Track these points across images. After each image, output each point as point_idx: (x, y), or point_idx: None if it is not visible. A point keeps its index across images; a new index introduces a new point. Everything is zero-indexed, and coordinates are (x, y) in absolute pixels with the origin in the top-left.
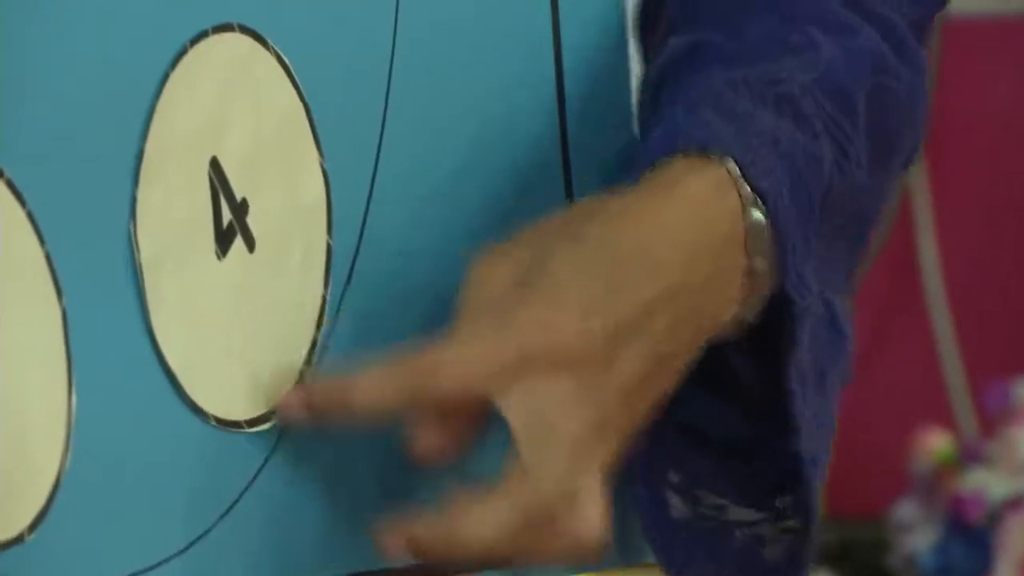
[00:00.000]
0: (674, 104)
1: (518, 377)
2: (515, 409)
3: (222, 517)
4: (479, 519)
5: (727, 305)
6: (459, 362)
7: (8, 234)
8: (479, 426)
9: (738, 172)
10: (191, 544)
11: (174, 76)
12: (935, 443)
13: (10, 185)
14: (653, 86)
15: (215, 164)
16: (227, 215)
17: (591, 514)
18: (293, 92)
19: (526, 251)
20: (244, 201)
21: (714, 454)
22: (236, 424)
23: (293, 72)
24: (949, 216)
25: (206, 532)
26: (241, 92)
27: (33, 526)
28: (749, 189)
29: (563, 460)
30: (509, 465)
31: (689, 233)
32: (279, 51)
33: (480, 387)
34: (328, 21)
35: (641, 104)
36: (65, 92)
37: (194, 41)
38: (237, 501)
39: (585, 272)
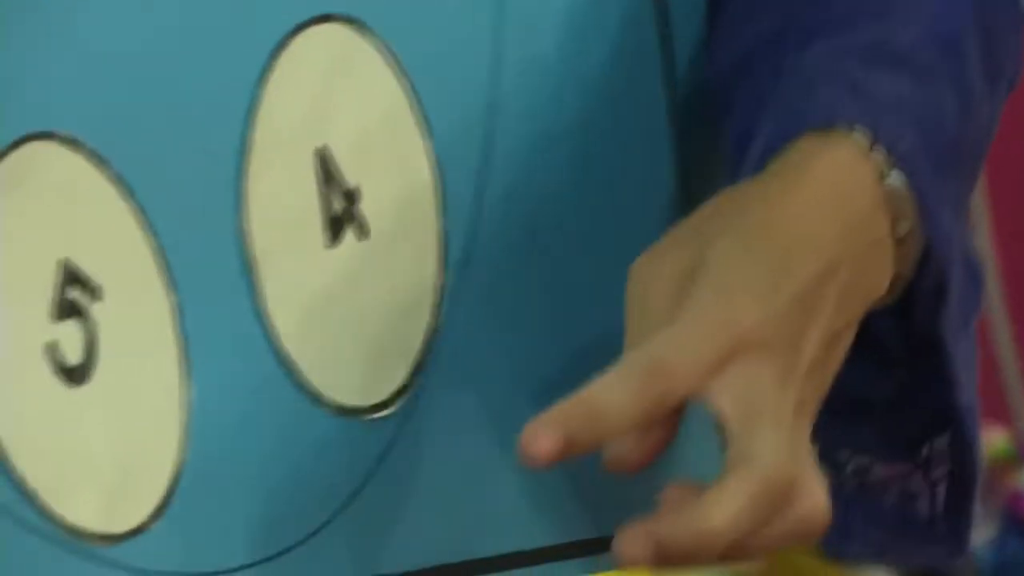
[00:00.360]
0: (780, 82)
1: (722, 372)
2: (725, 402)
3: (345, 505)
4: (718, 512)
5: (884, 273)
6: (682, 363)
7: (116, 228)
8: (676, 431)
9: (866, 142)
10: (313, 533)
11: (276, 67)
12: (992, 440)
13: (118, 179)
14: (737, 69)
15: (320, 154)
16: (337, 204)
17: (817, 491)
18: (395, 78)
19: (683, 249)
20: (355, 189)
21: (852, 413)
22: (357, 411)
23: (397, 57)
24: (1005, 212)
25: (329, 521)
26: (343, 81)
27: (156, 515)
28: (881, 157)
29: (782, 442)
30: (729, 457)
31: (832, 211)
32: (381, 37)
33: (701, 387)
34: (428, 2)
35: (719, 78)
36: (169, 88)
37: (294, 33)
38: (360, 489)
39: (749, 259)
